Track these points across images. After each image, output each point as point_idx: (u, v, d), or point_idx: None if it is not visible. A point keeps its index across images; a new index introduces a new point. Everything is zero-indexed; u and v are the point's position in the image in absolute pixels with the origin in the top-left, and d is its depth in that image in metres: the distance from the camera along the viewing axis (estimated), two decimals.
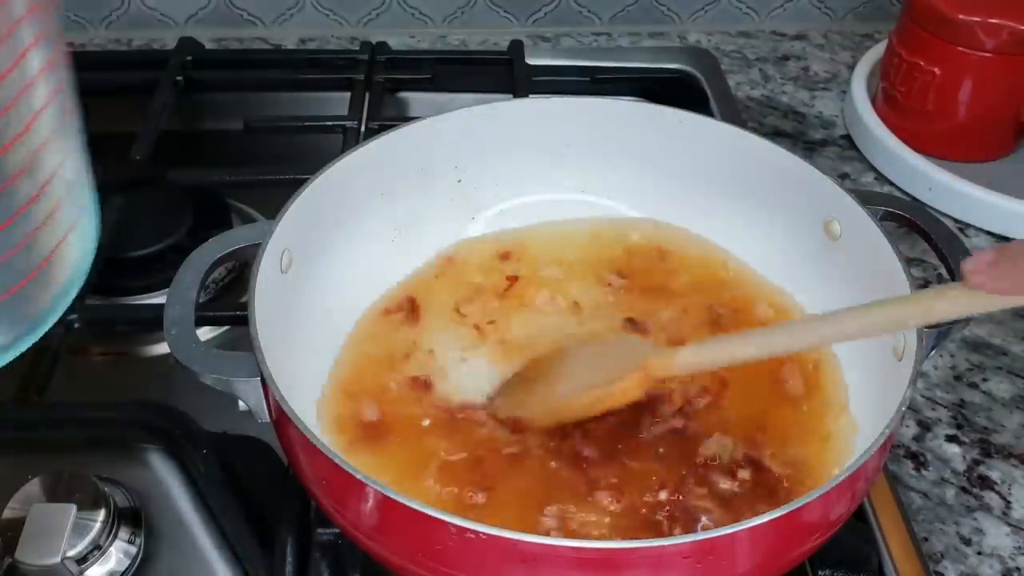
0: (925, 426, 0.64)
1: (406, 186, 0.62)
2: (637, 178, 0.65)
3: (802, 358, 0.56)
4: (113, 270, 0.70)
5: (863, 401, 0.53)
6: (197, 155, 0.92)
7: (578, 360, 0.54)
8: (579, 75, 0.91)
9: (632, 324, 0.59)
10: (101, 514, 0.49)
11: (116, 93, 0.90)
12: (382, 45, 0.92)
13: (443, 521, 0.38)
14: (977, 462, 0.61)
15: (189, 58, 0.89)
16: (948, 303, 0.41)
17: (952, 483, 0.60)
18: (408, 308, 0.60)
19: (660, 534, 0.47)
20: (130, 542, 0.51)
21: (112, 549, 0.50)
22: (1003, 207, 0.78)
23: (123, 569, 0.50)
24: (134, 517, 0.52)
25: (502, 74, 0.89)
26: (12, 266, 0.42)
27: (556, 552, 0.38)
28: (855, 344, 0.55)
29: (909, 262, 0.51)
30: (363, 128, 0.80)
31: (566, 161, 0.65)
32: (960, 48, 0.78)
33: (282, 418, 0.44)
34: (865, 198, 0.55)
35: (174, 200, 0.76)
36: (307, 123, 0.82)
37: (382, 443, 0.52)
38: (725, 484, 0.49)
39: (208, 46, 0.95)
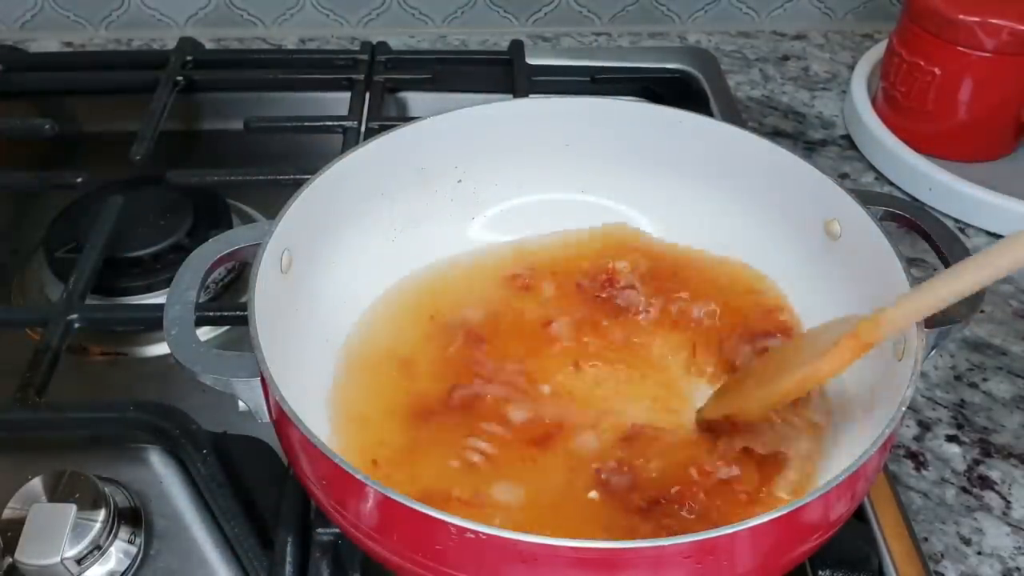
0: (925, 426, 0.64)
1: (406, 186, 0.62)
2: (637, 178, 0.65)
3: None
4: (113, 270, 0.70)
5: (863, 400, 0.53)
6: (197, 155, 0.92)
7: (787, 351, 0.52)
8: (579, 75, 0.91)
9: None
10: (101, 514, 0.49)
11: (116, 93, 0.90)
12: (382, 45, 0.92)
13: (443, 521, 0.38)
14: (977, 462, 0.61)
15: (189, 58, 0.89)
16: None
17: (952, 483, 0.60)
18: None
19: None
20: (130, 542, 0.51)
21: (112, 549, 0.50)
22: (1003, 207, 0.78)
23: (123, 569, 0.50)
24: (134, 517, 0.52)
25: (502, 74, 0.89)
26: None
27: (556, 552, 0.38)
28: None
29: (909, 262, 0.51)
30: (363, 128, 0.80)
31: (566, 161, 0.65)
32: (960, 48, 0.78)
33: (282, 418, 0.44)
34: (865, 198, 0.55)
35: (174, 200, 0.76)
36: (307, 123, 0.82)
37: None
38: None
39: (208, 46, 0.95)
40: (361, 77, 0.87)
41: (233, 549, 0.52)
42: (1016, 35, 0.76)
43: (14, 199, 0.86)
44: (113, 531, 0.50)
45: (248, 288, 0.48)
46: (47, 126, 0.81)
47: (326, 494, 0.44)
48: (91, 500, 0.50)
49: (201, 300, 0.51)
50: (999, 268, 0.42)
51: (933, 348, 0.50)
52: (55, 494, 0.50)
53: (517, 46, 0.92)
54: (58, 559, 0.47)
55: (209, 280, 0.55)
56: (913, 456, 0.62)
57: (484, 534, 0.38)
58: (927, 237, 0.55)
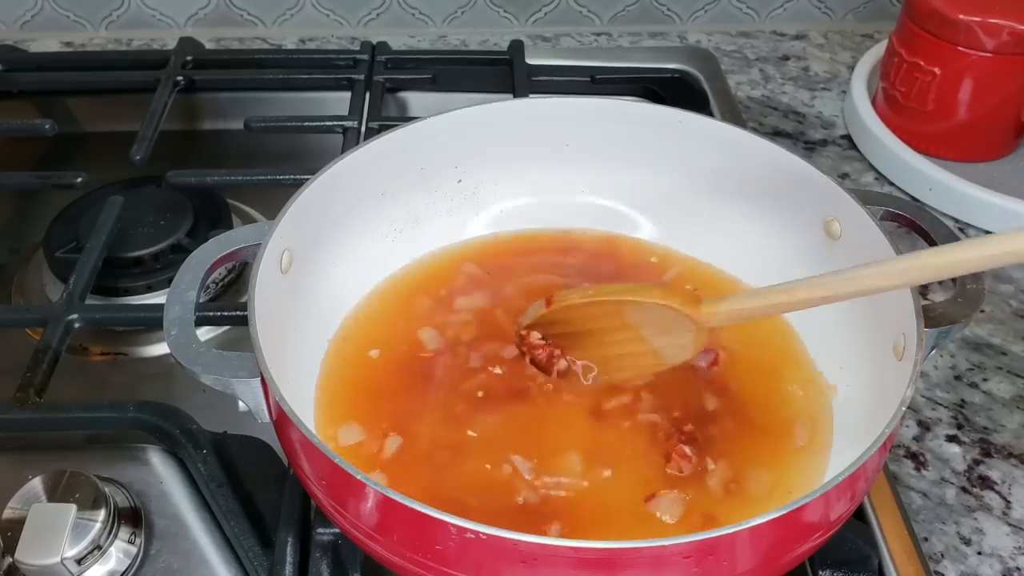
0: (925, 426, 0.64)
1: (406, 186, 0.62)
2: (637, 177, 0.65)
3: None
4: (113, 270, 0.71)
5: (863, 401, 0.53)
6: (197, 155, 0.92)
7: (625, 319, 0.52)
8: (579, 75, 0.91)
9: None
10: (101, 514, 0.49)
11: (116, 93, 0.90)
12: (382, 45, 0.92)
13: (443, 521, 0.38)
14: (977, 462, 0.61)
15: (189, 58, 0.89)
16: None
17: (952, 483, 0.60)
18: None
19: None
20: (130, 542, 0.51)
21: (112, 549, 0.50)
22: (1003, 207, 0.78)
23: (123, 569, 0.50)
24: (134, 517, 0.52)
25: (502, 74, 0.89)
26: None
27: (556, 552, 0.38)
28: (855, 343, 0.55)
29: None
30: (363, 128, 0.81)
31: (566, 161, 0.65)
32: (960, 48, 0.78)
33: (282, 418, 0.44)
34: (865, 198, 0.55)
35: (174, 200, 0.76)
36: (307, 123, 0.82)
37: None
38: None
39: (208, 46, 0.95)
40: (361, 77, 0.87)
41: (233, 549, 0.52)
42: (1016, 35, 0.76)
43: (14, 199, 0.86)
44: (113, 531, 0.50)
45: (248, 288, 0.48)
46: (47, 126, 0.81)
47: (326, 494, 0.44)
48: (91, 500, 0.50)
49: (201, 300, 0.51)
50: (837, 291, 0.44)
51: (933, 348, 0.51)
52: (55, 494, 0.50)
53: (517, 46, 0.92)
54: (58, 559, 0.47)
55: (209, 280, 0.55)
56: (913, 456, 0.62)
57: (484, 534, 0.38)
58: (927, 237, 0.55)
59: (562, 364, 0.55)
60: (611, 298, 0.52)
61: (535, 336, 0.55)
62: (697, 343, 0.50)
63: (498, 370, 0.56)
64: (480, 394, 0.54)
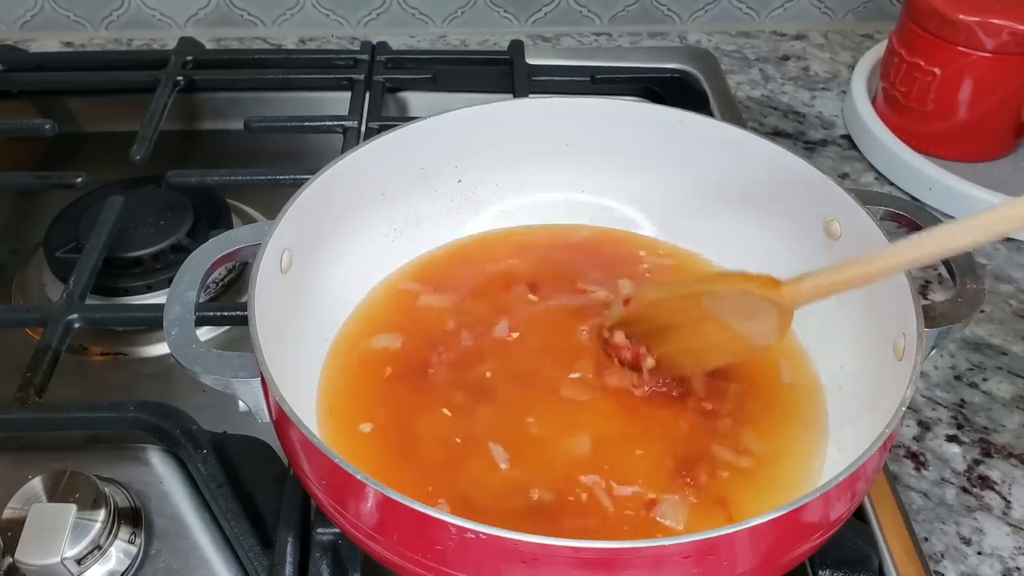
0: (925, 426, 0.64)
1: (406, 186, 0.62)
2: (637, 178, 0.65)
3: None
4: (113, 270, 0.71)
5: (863, 401, 0.53)
6: (197, 155, 0.92)
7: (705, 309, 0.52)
8: (579, 75, 0.91)
9: None
10: (101, 514, 0.49)
11: (116, 93, 0.90)
12: (382, 45, 0.92)
13: (443, 521, 0.38)
14: (977, 462, 0.61)
15: (189, 58, 0.89)
16: None
17: (952, 483, 0.60)
18: None
19: None
20: (130, 542, 0.51)
21: (112, 549, 0.50)
22: None
23: (123, 569, 0.50)
24: (134, 517, 0.52)
25: (502, 74, 0.89)
26: None
27: (556, 552, 0.38)
28: (855, 344, 0.55)
29: None
30: (363, 128, 0.81)
31: (566, 161, 0.65)
32: (960, 48, 0.78)
33: (282, 418, 0.44)
34: (865, 198, 0.55)
35: (174, 200, 0.76)
36: (307, 123, 0.82)
37: None
38: None
39: (208, 46, 0.95)
40: (361, 77, 0.87)
41: (233, 549, 0.52)
42: (1016, 35, 0.76)
43: (14, 199, 0.86)
44: (113, 531, 0.50)
45: (248, 288, 0.48)
46: (47, 126, 0.81)
47: (326, 494, 0.44)
48: (91, 500, 0.50)
49: (201, 300, 0.51)
50: (932, 254, 0.44)
51: (933, 348, 0.51)
52: (55, 494, 0.50)
53: (517, 46, 0.92)
54: (58, 559, 0.47)
55: (209, 280, 0.55)
56: (913, 456, 0.62)
57: (484, 534, 0.38)
58: None
59: (650, 362, 0.54)
60: (688, 291, 0.52)
61: (619, 337, 0.54)
62: (783, 324, 0.49)
63: (499, 368, 0.56)
64: (482, 391, 0.55)
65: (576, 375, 0.55)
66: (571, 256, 0.64)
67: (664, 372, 0.54)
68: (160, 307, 0.50)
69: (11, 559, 0.47)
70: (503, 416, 0.53)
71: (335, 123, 0.81)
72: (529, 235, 0.66)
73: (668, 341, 0.53)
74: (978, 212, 0.42)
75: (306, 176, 0.55)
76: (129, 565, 0.51)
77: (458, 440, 0.52)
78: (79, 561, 0.48)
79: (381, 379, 0.56)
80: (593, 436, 0.52)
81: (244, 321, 0.46)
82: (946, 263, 0.54)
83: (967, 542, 0.57)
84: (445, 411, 0.53)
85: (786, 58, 1.01)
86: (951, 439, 0.63)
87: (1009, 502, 0.59)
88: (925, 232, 0.44)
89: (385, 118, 0.83)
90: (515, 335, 0.58)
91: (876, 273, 0.46)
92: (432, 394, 0.54)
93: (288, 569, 0.50)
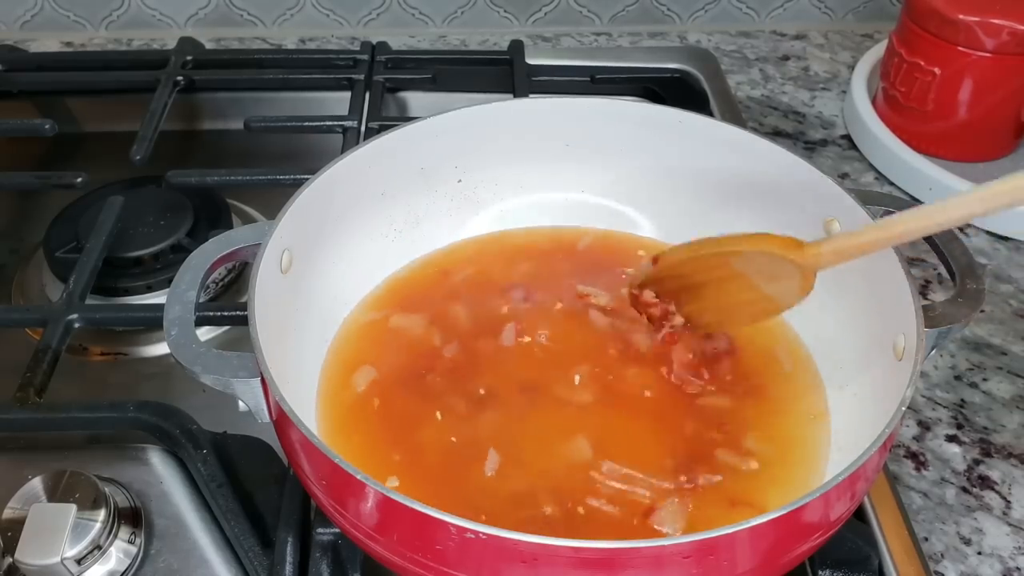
0: (925, 426, 0.64)
1: (406, 186, 0.62)
2: (637, 178, 0.65)
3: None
4: (113, 270, 0.71)
5: (863, 401, 0.53)
6: (197, 155, 0.92)
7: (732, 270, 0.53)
8: (579, 75, 0.91)
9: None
10: (101, 514, 0.49)
11: (116, 93, 0.90)
12: (382, 45, 0.92)
13: (443, 521, 0.38)
14: (977, 462, 0.61)
15: (189, 58, 0.89)
16: None
17: (952, 483, 0.60)
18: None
19: None
20: (130, 542, 0.51)
21: (112, 549, 0.50)
22: None
23: (123, 569, 0.50)
24: (134, 517, 0.52)
25: (502, 74, 0.89)
26: None
27: (556, 552, 0.38)
28: (855, 343, 0.55)
29: (909, 262, 0.50)
30: (363, 128, 0.81)
31: (566, 161, 0.65)
32: (960, 48, 0.78)
33: (282, 418, 0.44)
34: (865, 198, 0.55)
35: (174, 200, 0.76)
36: (307, 123, 0.82)
37: None
38: None
39: (208, 46, 0.95)
40: (361, 77, 0.87)
41: (233, 549, 0.52)
42: (1016, 35, 0.76)
43: (14, 199, 0.86)
44: (113, 531, 0.50)
45: (248, 288, 0.48)
46: (47, 126, 0.81)
47: (326, 494, 0.44)
48: (91, 500, 0.50)
49: (201, 300, 0.51)
50: (941, 222, 0.45)
51: (933, 348, 0.50)
52: (55, 494, 0.50)
53: (517, 46, 0.92)
54: (58, 559, 0.47)
55: (209, 280, 0.55)
56: (913, 456, 0.62)
57: (484, 534, 0.38)
58: (927, 237, 0.55)
59: (678, 320, 0.55)
60: (715, 250, 0.53)
61: (648, 295, 0.55)
62: (805, 285, 0.50)
63: (498, 375, 0.56)
64: (482, 392, 0.55)
65: (578, 379, 0.55)
66: (570, 256, 0.64)
67: (691, 329, 0.55)
68: (160, 307, 0.50)
69: (11, 559, 0.47)
70: (504, 423, 0.53)
71: (335, 123, 0.81)
72: (527, 237, 0.66)
73: (695, 299, 0.54)
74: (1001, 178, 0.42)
75: (306, 176, 0.55)
76: (129, 565, 0.51)
77: (454, 440, 0.52)
78: (79, 561, 0.48)
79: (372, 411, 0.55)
80: (593, 440, 0.52)
81: (244, 321, 0.46)
82: (946, 263, 0.54)
83: (967, 542, 0.57)
84: (439, 415, 0.54)
85: (786, 58, 1.01)
86: (951, 439, 0.63)
87: (1009, 502, 0.59)
88: (941, 200, 0.44)
89: (385, 118, 0.83)
90: (523, 339, 0.58)
91: (894, 237, 0.46)
92: (432, 402, 0.54)
93: (288, 569, 0.50)
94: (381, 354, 0.57)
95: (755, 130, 0.76)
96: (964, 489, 0.60)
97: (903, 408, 0.43)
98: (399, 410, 0.54)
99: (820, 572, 0.51)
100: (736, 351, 0.58)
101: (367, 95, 0.85)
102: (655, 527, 0.48)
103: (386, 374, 0.56)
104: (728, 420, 0.54)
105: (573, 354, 0.57)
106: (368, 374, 0.56)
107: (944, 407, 0.65)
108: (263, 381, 0.45)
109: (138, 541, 0.51)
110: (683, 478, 0.50)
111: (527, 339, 0.58)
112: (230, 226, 0.76)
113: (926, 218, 0.45)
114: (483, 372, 0.56)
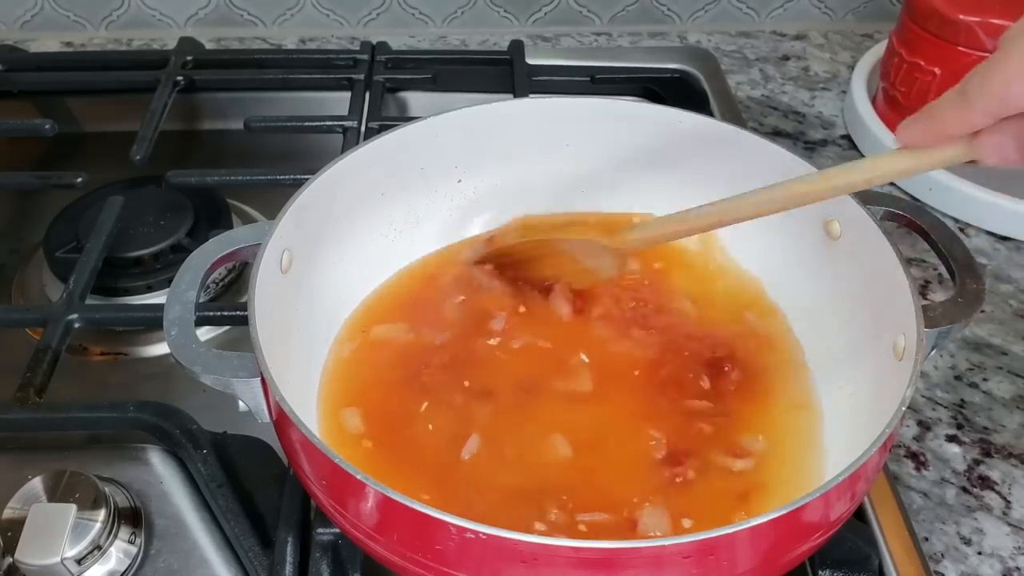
0: (925, 426, 0.64)
1: (406, 186, 0.62)
2: (637, 177, 0.65)
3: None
4: (113, 270, 0.71)
5: (863, 401, 0.53)
6: (197, 155, 0.92)
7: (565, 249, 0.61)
8: (579, 75, 0.91)
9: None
10: (101, 514, 0.49)
11: (116, 93, 0.90)
12: (382, 45, 0.92)
13: (443, 521, 0.38)
14: (977, 462, 0.61)
15: (189, 58, 0.89)
16: (888, 162, 0.49)
17: (952, 483, 0.60)
18: None
19: None
20: (130, 542, 0.51)
21: (112, 549, 0.50)
22: (1003, 207, 0.77)
23: (123, 569, 0.50)
24: (134, 517, 0.52)
25: (502, 74, 0.89)
26: None
27: (556, 552, 0.38)
28: (855, 344, 0.55)
29: (909, 262, 0.51)
30: (363, 128, 0.81)
31: (566, 161, 0.65)
32: (960, 48, 0.78)
33: (282, 418, 0.44)
34: (865, 198, 0.55)
35: (174, 200, 0.76)
36: (307, 123, 0.82)
37: None
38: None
39: (208, 46, 0.95)
40: (361, 77, 0.87)
41: (233, 549, 0.52)
42: None
43: (14, 199, 0.86)
44: (113, 531, 0.50)
45: (248, 288, 0.48)
46: (47, 126, 0.81)
47: (326, 494, 0.44)
48: (91, 500, 0.50)
49: (201, 300, 0.51)
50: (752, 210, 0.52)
51: (933, 348, 0.50)
52: (55, 494, 0.50)
53: (517, 46, 0.92)
54: (58, 559, 0.47)
55: (209, 280, 0.55)
56: (913, 456, 0.62)
57: (484, 534, 0.38)
58: (927, 237, 0.55)
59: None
60: (543, 237, 0.61)
61: (487, 267, 0.62)
62: (620, 263, 0.59)
63: (491, 374, 0.56)
64: (482, 390, 0.55)
65: (571, 380, 0.56)
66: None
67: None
68: (160, 307, 0.50)
69: (11, 559, 0.47)
70: (496, 418, 0.53)
71: (335, 123, 0.81)
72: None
73: (530, 270, 0.62)
74: (879, 153, 0.49)
75: (306, 176, 0.55)
76: (129, 565, 0.51)
77: (447, 435, 0.52)
78: (79, 561, 0.48)
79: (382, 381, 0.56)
80: (575, 440, 0.52)
81: (244, 321, 0.46)
82: (945, 263, 0.54)
83: (967, 542, 0.57)
84: (435, 416, 0.54)
85: (786, 58, 1.01)
86: (951, 439, 0.63)
87: (1009, 502, 0.59)
88: (735, 198, 0.52)
89: (385, 118, 0.83)
90: (515, 342, 0.58)
91: (691, 229, 0.54)
92: (424, 399, 0.55)
93: (288, 569, 0.50)
94: (377, 362, 0.58)
95: (755, 130, 0.76)
96: (964, 489, 0.60)
97: (903, 408, 0.43)
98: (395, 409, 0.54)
99: (820, 572, 0.51)
100: (732, 348, 0.58)
101: (367, 95, 0.85)
102: (639, 532, 0.48)
103: (387, 377, 0.56)
104: (720, 415, 0.54)
105: (559, 351, 0.58)
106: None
107: (944, 407, 0.65)
108: (263, 381, 0.45)
109: (138, 541, 0.51)
110: (670, 472, 0.50)
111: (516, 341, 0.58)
112: (230, 226, 0.76)
113: (720, 213, 0.52)
114: (475, 369, 0.56)
